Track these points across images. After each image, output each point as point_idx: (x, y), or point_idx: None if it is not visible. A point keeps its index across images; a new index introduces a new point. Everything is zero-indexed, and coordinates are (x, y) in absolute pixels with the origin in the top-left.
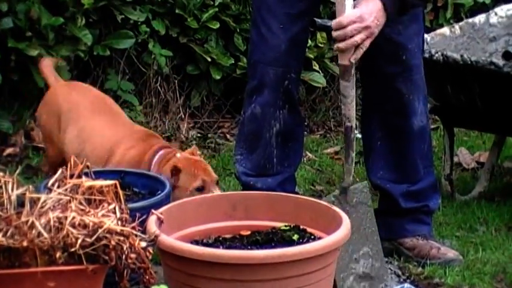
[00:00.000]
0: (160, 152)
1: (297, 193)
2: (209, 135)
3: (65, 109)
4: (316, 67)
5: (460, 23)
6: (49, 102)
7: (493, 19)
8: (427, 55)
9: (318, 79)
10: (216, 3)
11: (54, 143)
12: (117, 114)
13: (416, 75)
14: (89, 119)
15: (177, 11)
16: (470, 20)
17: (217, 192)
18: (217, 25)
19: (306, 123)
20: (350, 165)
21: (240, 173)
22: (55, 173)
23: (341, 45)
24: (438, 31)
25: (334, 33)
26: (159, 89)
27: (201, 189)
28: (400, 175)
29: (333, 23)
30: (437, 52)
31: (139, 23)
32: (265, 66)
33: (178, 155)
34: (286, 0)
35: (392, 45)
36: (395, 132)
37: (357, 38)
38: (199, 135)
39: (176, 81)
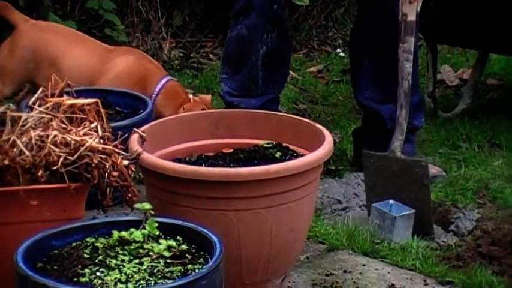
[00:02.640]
0: (164, 81)
1: (280, 111)
2: (192, 54)
3: (38, 52)
4: None
5: None
6: (16, 43)
7: None
8: None
9: None
10: None
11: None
12: (93, 41)
13: None
14: (67, 54)
15: None
16: None
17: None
18: None
19: None
20: (403, 125)
21: (224, 93)
22: None
23: None
24: None
25: None
26: (141, 8)
27: None
28: (386, 94)
29: None
30: None
31: None
32: None
33: (191, 96)
34: None
35: None
36: (384, 52)
37: None
38: (181, 54)
39: (158, 0)
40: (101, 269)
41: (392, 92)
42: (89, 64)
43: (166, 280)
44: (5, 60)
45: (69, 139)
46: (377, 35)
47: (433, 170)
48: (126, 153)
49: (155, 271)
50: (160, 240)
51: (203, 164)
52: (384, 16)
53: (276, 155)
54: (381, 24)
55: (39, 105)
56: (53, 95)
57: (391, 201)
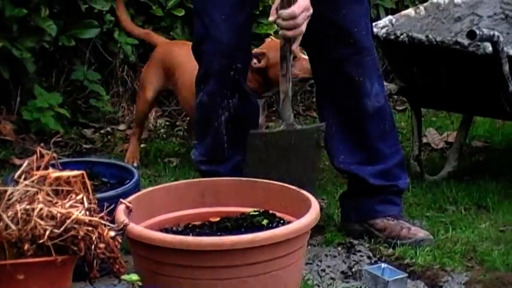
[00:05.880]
0: None
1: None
2: (177, 123)
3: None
4: None
5: (425, 4)
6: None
7: None
8: (392, 37)
9: None
10: None
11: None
12: None
13: (366, 57)
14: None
15: None
16: (435, 0)
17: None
18: (183, 12)
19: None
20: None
21: (195, 158)
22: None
23: (290, 33)
24: (403, 12)
25: (285, 23)
26: (126, 78)
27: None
28: (360, 156)
29: (286, 13)
30: (402, 34)
31: (104, 12)
32: (209, 56)
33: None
34: None
35: (337, 29)
36: (348, 115)
37: (304, 27)
38: (167, 123)
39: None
40: None
41: (366, 153)
42: None
43: None
44: (145, 70)
45: (55, 212)
46: (339, 100)
47: (421, 233)
48: (112, 225)
49: None
50: None
51: (190, 233)
52: (342, 79)
53: (263, 223)
54: (341, 89)
55: (25, 179)
56: (38, 168)
57: (383, 265)
